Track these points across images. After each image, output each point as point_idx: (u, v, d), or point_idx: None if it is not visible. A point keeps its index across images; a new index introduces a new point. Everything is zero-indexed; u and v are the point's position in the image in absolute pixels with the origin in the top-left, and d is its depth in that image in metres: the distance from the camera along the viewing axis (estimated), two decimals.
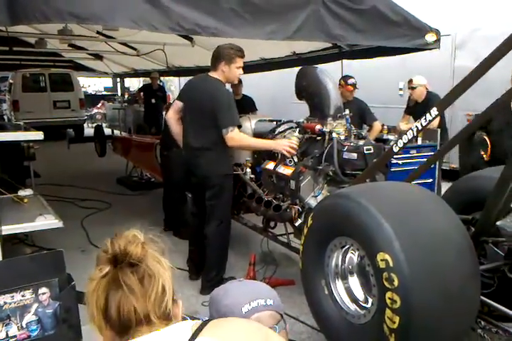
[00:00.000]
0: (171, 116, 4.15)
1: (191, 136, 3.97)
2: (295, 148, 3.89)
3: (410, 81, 6.16)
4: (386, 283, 2.26)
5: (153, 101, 10.93)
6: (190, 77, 4.39)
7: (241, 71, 3.95)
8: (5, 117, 14.09)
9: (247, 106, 7.11)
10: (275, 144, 3.97)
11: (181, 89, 4.31)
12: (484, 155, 4.73)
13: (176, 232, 5.55)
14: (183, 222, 5.49)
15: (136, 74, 12.80)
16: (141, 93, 11.71)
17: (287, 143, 3.88)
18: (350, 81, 5.88)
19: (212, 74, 3.93)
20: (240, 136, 3.89)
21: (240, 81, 7.58)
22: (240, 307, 1.56)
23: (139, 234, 1.21)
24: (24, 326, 1.95)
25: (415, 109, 6.02)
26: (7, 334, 1.90)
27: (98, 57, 10.64)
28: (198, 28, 3.47)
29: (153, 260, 1.14)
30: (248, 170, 4.47)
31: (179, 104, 4.09)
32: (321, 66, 4.41)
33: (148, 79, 12.06)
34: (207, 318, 1.19)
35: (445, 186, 4.64)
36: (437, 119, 5.37)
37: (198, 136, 3.91)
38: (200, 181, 4.04)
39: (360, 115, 5.77)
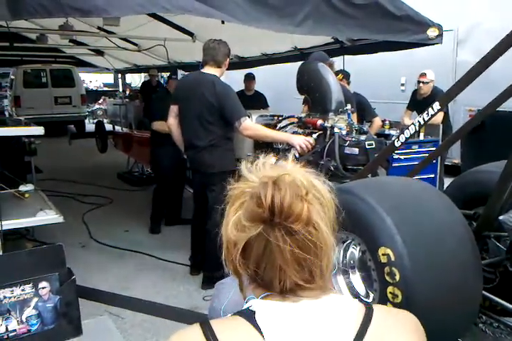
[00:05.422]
0: (172, 123, 4.09)
1: (194, 135, 3.92)
2: (310, 147, 3.77)
3: (423, 75, 5.98)
4: (387, 278, 2.25)
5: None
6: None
7: None
8: (6, 113, 14.06)
9: (258, 102, 7.11)
10: (291, 137, 3.88)
11: (175, 91, 4.20)
12: None
13: (168, 222, 5.74)
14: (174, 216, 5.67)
15: (137, 69, 12.78)
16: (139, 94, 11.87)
17: (304, 140, 3.77)
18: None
19: (207, 70, 3.90)
20: (256, 126, 3.91)
21: (253, 77, 7.60)
22: (222, 315, 1.50)
23: (303, 180, 0.91)
24: (24, 320, 1.95)
25: (421, 104, 5.95)
26: (7, 329, 1.90)
27: (99, 52, 10.62)
28: (210, 11, 3.43)
29: (317, 221, 0.89)
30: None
31: (176, 108, 4.03)
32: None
33: None
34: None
35: (447, 181, 4.63)
36: (441, 114, 5.38)
37: (201, 135, 3.87)
38: (203, 177, 4.02)
39: (359, 111, 5.71)
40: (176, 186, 5.69)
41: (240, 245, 0.89)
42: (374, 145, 3.64)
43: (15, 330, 1.93)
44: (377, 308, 0.96)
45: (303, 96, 4.26)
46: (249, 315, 0.89)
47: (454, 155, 7.39)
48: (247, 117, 3.78)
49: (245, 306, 0.93)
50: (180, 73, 5.46)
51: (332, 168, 3.70)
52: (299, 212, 0.86)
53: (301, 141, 3.76)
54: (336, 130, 3.72)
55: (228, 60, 3.96)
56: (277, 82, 9.76)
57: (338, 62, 6.27)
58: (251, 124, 3.82)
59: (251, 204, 0.89)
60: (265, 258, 0.88)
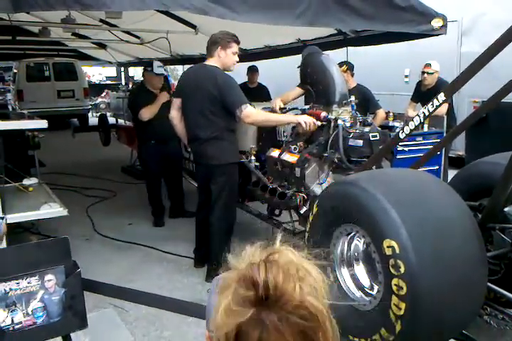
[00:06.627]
0: (175, 116, 4.08)
1: (197, 127, 3.90)
2: (312, 126, 3.75)
3: (428, 65, 5.94)
4: (392, 270, 2.25)
5: None
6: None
7: (237, 57, 3.91)
8: (9, 107, 14.05)
9: (261, 94, 7.09)
10: (295, 117, 3.88)
11: (178, 84, 4.17)
12: None
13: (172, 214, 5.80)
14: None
15: (140, 62, 12.73)
16: None
17: (308, 117, 3.77)
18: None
19: (208, 62, 3.87)
20: (256, 112, 3.85)
21: (256, 69, 7.57)
22: None
23: (293, 258, 0.88)
24: (30, 313, 1.96)
25: (425, 96, 5.91)
26: (12, 321, 1.91)
27: (102, 46, 10.58)
28: (207, 8, 3.41)
29: (311, 300, 0.83)
30: (253, 157, 4.44)
31: (178, 101, 4.01)
32: (326, 53, 4.37)
33: None
34: None
35: (452, 173, 4.61)
36: (445, 106, 5.35)
37: (204, 126, 3.86)
38: (206, 170, 4.01)
39: (363, 103, 5.67)
40: (171, 180, 5.72)
41: (230, 331, 0.81)
42: (378, 137, 3.63)
43: (20, 322, 1.94)
44: None
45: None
46: None
47: (459, 147, 7.36)
48: (248, 105, 3.74)
49: None
50: (157, 65, 5.45)
51: (336, 160, 3.69)
52: (291, 291, 0.81)
53: (305, 118, 3.76)
54: (339, 122, 3.71)
55: (220, 48, 3.79)
56: (280, 74, 9.73)
57: (341, 53, 6.24)
58: (252, 111, 3.76)
59: (239, 288, 0.83)
60: None
